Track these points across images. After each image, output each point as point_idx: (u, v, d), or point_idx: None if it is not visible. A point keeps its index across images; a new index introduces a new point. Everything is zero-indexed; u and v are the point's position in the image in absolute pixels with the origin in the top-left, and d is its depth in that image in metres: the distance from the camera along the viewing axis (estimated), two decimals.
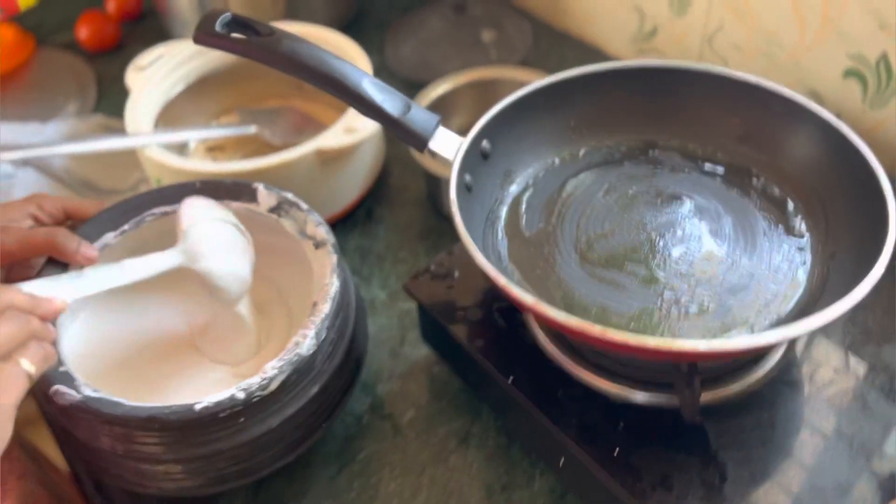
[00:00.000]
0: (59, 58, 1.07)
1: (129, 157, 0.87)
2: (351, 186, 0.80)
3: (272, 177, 0.72)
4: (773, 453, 0.50)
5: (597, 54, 1.00)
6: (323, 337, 0.55)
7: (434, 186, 0.79)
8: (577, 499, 0.58)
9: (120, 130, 0.90)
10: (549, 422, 0.53)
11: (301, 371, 0.54)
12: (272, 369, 0.52)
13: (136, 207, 0.63)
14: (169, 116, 0.84)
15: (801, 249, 0.55)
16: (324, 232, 0.61)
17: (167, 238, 0.64)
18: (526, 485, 0.60)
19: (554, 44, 1.03)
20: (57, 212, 0.59)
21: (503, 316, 0.59)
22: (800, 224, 0.56)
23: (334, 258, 0.59)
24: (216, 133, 0.83)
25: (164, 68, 0.83)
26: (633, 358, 0.53)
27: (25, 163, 0.81)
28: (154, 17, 1.11)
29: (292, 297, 0.66)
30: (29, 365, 0.40)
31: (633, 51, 0.96)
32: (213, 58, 0.86)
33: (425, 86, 0.83)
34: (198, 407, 0.50)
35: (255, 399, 0.51)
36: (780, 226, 0.56)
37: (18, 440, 0.61)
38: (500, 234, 0.58)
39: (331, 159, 0.74)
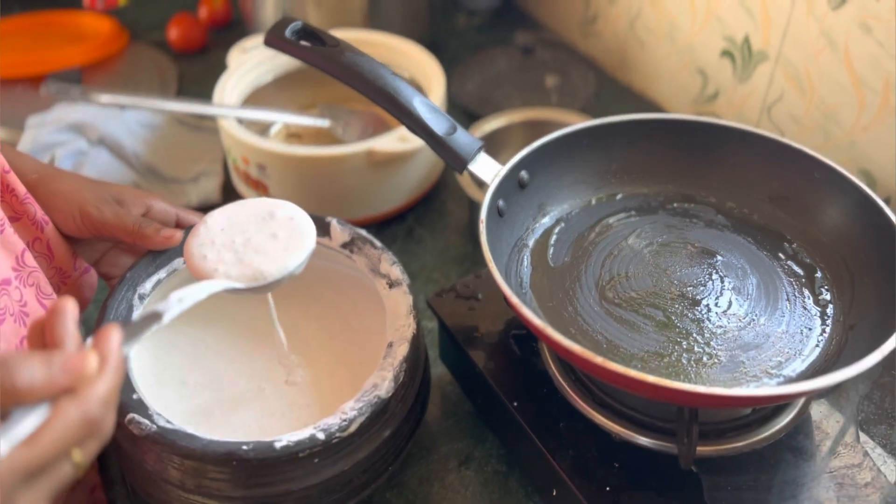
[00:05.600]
0: (148, 53, 1.14)
1: (194, 150, 0.92)
2: (396, 194, 0.82)
3: (324, 167, 0.76)
4: None
5: (656, 111, 1.02)
6: (401, 380, 0.54)
7: (476, 214, 0.81)
8: None
9: (195, 123, 0.96)
10: (546, 451, 0.53)
11: (377, 413, 0.53)
12: (352, 410, 0.51)
13: None
14: (257, 100, 0.90)
15: (821, 318, 0.54)
16: (398, 271, 0.60)
17: None
18: None
19: (616, 96, 1.05)
20: (166, 218, 0.61)
21: (518, 343, 0.60)
22: (825, 293, 0.56)
23: (410, 299, 0.58)
24: (291, 119, 0.87)
25: (263, 55, 0.89)
26: (635, 396, 0.53)
27: (100, 141, 0.86)
28: (241, 26, 1.18)
29: (359, 326, 0.65)
30: (81, 457, 0.38)
31: (693, 112, 0.97)
32: None
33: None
34: (278, 445, 0.49)
35: (334, 440, 0.50)
36: (805, 292, 0.56)
37: None
38: (526, 261, 0.59)
39: (381, 163, 0.77)
